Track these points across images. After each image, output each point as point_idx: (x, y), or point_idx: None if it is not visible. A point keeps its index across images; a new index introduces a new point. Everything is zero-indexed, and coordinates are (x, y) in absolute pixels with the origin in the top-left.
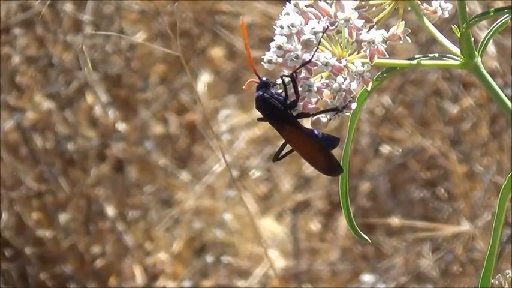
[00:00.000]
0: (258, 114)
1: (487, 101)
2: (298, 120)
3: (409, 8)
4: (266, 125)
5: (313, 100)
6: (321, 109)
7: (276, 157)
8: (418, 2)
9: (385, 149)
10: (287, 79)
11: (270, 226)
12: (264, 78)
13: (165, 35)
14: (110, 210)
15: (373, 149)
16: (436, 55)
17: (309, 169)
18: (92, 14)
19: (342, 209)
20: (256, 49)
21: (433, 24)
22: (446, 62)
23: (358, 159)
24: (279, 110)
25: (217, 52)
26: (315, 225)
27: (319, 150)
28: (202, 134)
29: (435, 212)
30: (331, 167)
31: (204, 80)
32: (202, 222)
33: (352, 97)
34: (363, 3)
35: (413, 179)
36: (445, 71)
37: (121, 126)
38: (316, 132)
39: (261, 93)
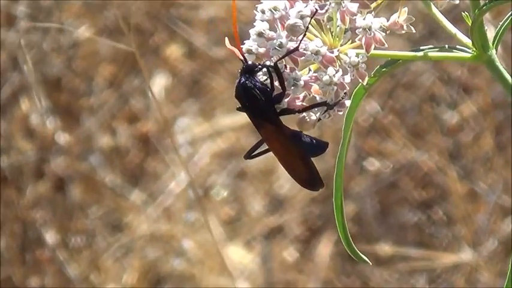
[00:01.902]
0: (222, 123)
1: (492, 107)
2: (283, 117)
3: None
4: (232, 135)
5: (300, 96)
6: (311, 104)
7: (248, 155)
8: None
9: (373, 164)
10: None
11: (238, 255)
12: (249, 62)
13: (113, 31)
14: (50, 236)
15: (358, 164)
16: (446, 46)
17: (283, 188)
18: (28, 6)
19: (337, 225)
20: (224, 47)
21: (440, 11)
22: (456, 54)
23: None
24: (261, 103)
25: (174, 50)
26: (290, 254)
27: (300, 156)
28: (156, 146)
29: (432, 238)
30: (311, 179)
31: (159, 83)
32: (157, 251)
33: (345, 93)
34: None
35: (405, 200)
36: (443, 72)
37: (62, 138)
38: (300, 135)
39: (243, 80)
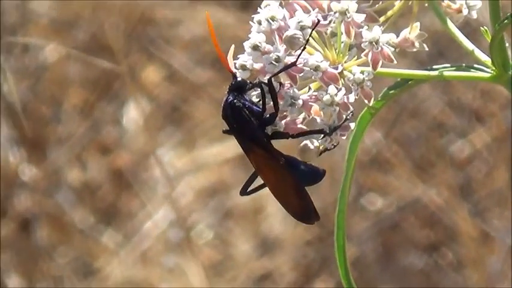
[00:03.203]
0: (205, 154)
1: (507, 136)
2: (280, 143)
3: (426, 5)
4: (216, 169)
5: (299, 118)
6: (307, 130)
7: (244, 190)
8: None
9: (375, 201)
10: (267, 87)
11: None
12: (239, 78)
13: (85, 50)
14: (13, 282)
15: (358, 201)
16: (463, 65)
17: (273, 228)
18: None
19: (339, 268)
20: (207, 69)
21: (456, 26)
22: (473, 73)
23: None
24: (250, 125)
25: (151, 73)
26: None
27: (294, 185)
28: (132, 181)
29: (440, 284)
30: (305, 210)
31: (135, 109)
32: None
33: (349, 114)
34: None
35: (411, 242)
36: (452, 96)
37: (26, 172)
38: (294, 161)
39: (231, 98)
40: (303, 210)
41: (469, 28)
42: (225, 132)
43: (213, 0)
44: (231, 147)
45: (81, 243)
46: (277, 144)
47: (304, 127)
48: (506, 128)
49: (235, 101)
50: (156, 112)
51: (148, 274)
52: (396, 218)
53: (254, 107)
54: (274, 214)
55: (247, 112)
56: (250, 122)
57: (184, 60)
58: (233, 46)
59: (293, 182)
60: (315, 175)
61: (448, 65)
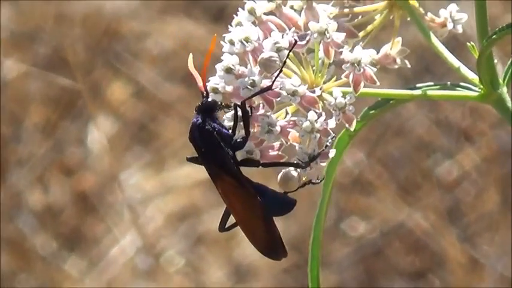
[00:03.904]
0: (175, 176)
1: (497, 157)
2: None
3: (408, 19)
4: (187, 192)
5: (276, 145)
6: (282, 158)
7: (222, 227)
8: (421, 10)
9: (356, 226)
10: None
11: None
12: (210, 99)
13: (46, 66)
14: None
15: (339, 226)
16: (448, 83)
17: (248, 255)
18: None
19: None
20: (176, 85)
21: (440, 40)
22: (460, 92)
23: None
24: (219, 150)
25: (117, 90)
26: None
27: (262, 216)
28: (97, 205)
29: None
30: (272, 246)
31: (100, 128)
32: None
33: (329, 140)
34: (345, 10)
35: (395, 269)
36: (439, 114)
37: None
38: (264, 190)
39: (200, 120)
40: (270, 245)
41: (455, 42)
42: (189, 160)
43: (183, 12)
44: (202, 168)
45: (43, 271)
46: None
47: (282, 154)
48: (497, 148)
49: (204, 123)
50: (122, 131)
51: None
52: (379, 243)
53: (224, 131)
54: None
55: (216, 136)
56: (220, 146)
57: (153, 76)
58: (191, 55)
59: (262, 213)
60: (286, 205)
61: (432, 83)
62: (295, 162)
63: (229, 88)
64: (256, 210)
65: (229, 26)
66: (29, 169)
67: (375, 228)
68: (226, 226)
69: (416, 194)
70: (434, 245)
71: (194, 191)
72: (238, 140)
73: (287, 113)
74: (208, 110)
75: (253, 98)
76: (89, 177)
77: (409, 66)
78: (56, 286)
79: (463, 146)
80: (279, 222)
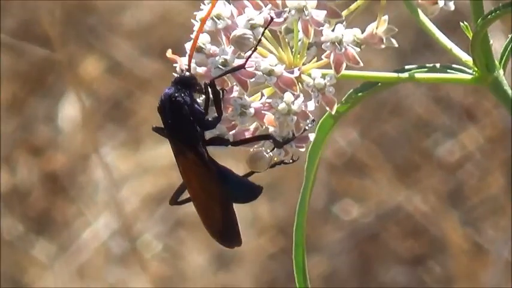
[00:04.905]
0: (152, 156)
1: (502, 136)
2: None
3: None
4: (165, 172)
5: (251, 128)
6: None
7: (174, 200)
8: None
9: (350, 209)
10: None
11: None
12: (187, 73)
13: (15, 38)
14: None
15: (331, 209)
16: (437, 65)
17: None
18: None
19: (297, 285)
20: (154, 60)
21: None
22: (451, 75)
23: (309, 225)
24: (188, 125)
25: (91, 66)
26: None
27: (220, 200)
28: (67, 186)
29: None
30: (226, 232)
31: (72, 106)
32: None
33: (309, 124)
34: None
35: (392, 255)
36: (440, 91)
37: None
38: (228, 173)
39: (172, 91)
40: (224, 232)
41: (455, 18)
42: (155, 130)
43: None
44: None
45: (9, 256)
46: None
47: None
48: (502, 128)
49: (176, 94)
50: (95, 108)
51: None
52: (375, 227)
53: (196, 106)
54: None
55: (187, 110)
56: (189, 121)
57: (128, 51)
58: (169, 51)
59: (220, 197)
60: (250, 192)
61: (421, 65)
62: (270, 135)
63: (200, 69)
64: (216, 192)
65: (201, 4)
66: None
67: (370, 212)
68: (178, 200)
69: (415, 175)
70: (435, 229)
71: (172, 171)
72: (210, 119)
73: (262, 95)
74: (184, 83)
75: (227, 81)
76: (59, 157)
77: (396, 45)
78: (22, 272)
79: (465, 126)
80: (264, 204)
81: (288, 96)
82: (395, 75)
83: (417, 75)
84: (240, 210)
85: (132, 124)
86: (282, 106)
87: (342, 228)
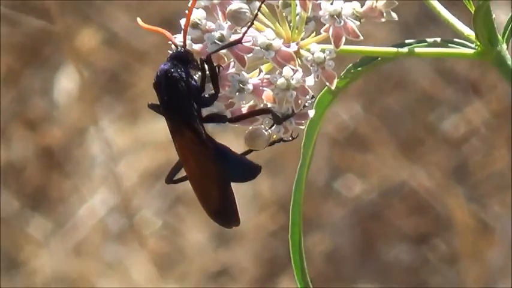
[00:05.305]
0: (150, 130)
1: (508, 111)
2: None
3: None
4: (164, 147)
5: (246, 106)
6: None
7: (170, 178)
8: None
9: (353, 185)
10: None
11: None
12: (182, 49)
13: (10, 10)
14: None
15: (333, 186)
16: (438, 40)
17: None
18: None
19: (294, 270)
20: (152, 32)
21: None
22: (453, 50)
23: (311, 202)
24: (184, 102)
25: (88, 38)
26: None
27: (218, 179)
28: (63, 161)
29: (430, 281)
30: (224, 211)
31: (68, 79)
32: None
33: (308, 100)
34: None
35: (395, 232)
36: (445, 64)
37: None
38: (226, 151)
39: (168, 67)
40: (222, 211)
41: None
42: (150, 107)
43: None
44: None
45: (3, 233)
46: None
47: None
48: (508, 102)
49: (172, 70)
50: (92, 81)
51: (83, 269)
52: (378, 204)
53: (192, 82)
54: None
55: (184, 86)
56: (185, 97)
57: (126, 22)
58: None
59: (218, 176)
60: (248, 172)
61: (421, 39)
62: (269, 109)
63: (196, 46)
64: (212, 172)
65: None
66: None
67: (373, 188)
68: (174, 178)
69: (420, 150)
70: (440, 206)
71: (171, 146)
72: (207, 96)
73: (260, 71)
74: (180, 59)
75: (224, 57)
76: (55, 131)
77: (396, 18)
78: (17, 249)
79: (471, 100)
80: (265, 180)
81: (287, 70)
82: (394, 50)
83: (417, 50)
84: (240, 186)
85: (130, 97)
86: (281, 81)
87: (344, 205)
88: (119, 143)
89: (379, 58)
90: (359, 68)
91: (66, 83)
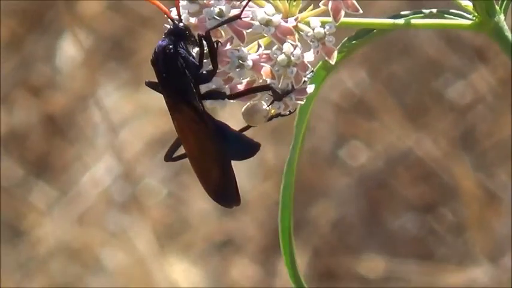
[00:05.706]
0: (155, 95)
1: None
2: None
3: None
4: (168, 113)
5: (244, 82)
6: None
7: (169, 156)
8: None
9: (358, 154)
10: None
11: (179, 272)
12: (180, 24)
13: None
14: None
15: (338, 154)
16: (434, 11)
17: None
18: None
19: (284, 255)
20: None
21: None
22: (450, 21)
23: (316, 170)
24: (183, 78)
25: (91, 2)
26: (248, 270)
27: (218, 158)
28: (66, 128)
29: (436, 250)
30: (224, 190)
31: (71, 44)
32: (68, 266)
33: (308, 75)
34: None
35: (401, 201)
36: (450, 31)
37: None
38: (225, 129)
39: (166, 42)
40: (222, 190)
41: None
42: (148, 84)
43: None
44: None
45: (6, 201)
46: None
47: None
48: None
49: (170, 46)
50: (96, 47)
51: (87, 238)
52: (384, 173)
53: (191, 58)
54: (237, 167)
55: (182, 62)
56: (184, 74)
57: None
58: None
59: (217, 154)
60: (247, 150)
61: (418, 10)
62: (269, 85)
63: (193, 20)
64: (213, 149)
65: None
66: None
67: (379, 156)
68: (173, 156)
69: (425, 118)
70: (446, 175)
71: None
72: (205, 72)
73: (259, 47)
74: (178, 35)
75: (222, 33)
76: (58, 98)
77: None
78: (20, 218)
79: (476, 67)
80: (269, 148)
81: (287, 47)
82: (391, 21)
83: (413, 21)
84: None
85: (134, 63)
86: (281, 57)
87: (349, 174)
88: (123, 110)
89: (375, 30)
90: (354, 42)
91: (69, 48)
